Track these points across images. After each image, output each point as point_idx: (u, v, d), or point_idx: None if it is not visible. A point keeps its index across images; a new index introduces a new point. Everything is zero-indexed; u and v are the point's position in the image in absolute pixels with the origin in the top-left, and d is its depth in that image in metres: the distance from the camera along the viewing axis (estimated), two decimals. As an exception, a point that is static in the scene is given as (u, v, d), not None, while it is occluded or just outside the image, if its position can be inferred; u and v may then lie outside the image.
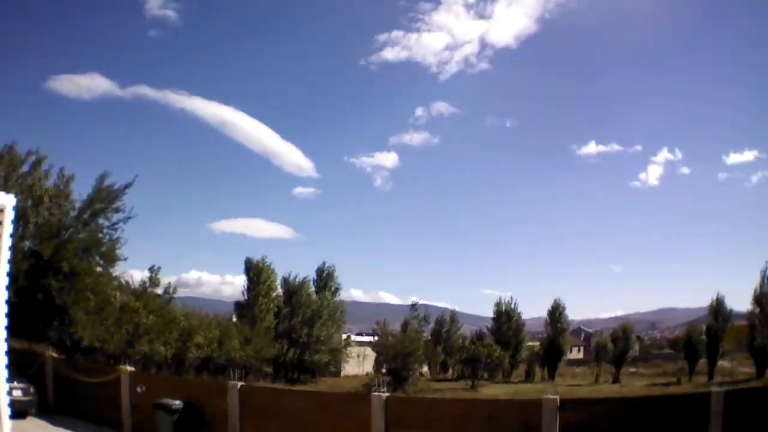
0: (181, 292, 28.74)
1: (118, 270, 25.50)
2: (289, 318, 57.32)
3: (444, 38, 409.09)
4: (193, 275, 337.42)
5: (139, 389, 15.62)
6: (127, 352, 23.02)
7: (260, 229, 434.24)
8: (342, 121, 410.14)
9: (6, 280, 7.54)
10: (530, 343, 73.01)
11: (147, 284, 28.28)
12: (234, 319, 54.88)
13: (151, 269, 27.99)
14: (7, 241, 7.61)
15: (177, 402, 14.01)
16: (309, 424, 12.96)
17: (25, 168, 24.00)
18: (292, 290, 58.56)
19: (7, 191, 20.74)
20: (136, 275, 29.92)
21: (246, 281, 57.80)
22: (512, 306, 71.67)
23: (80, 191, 24.39)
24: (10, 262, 7.68)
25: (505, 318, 70.44)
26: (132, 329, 24.71)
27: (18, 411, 13.58)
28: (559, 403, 10.57)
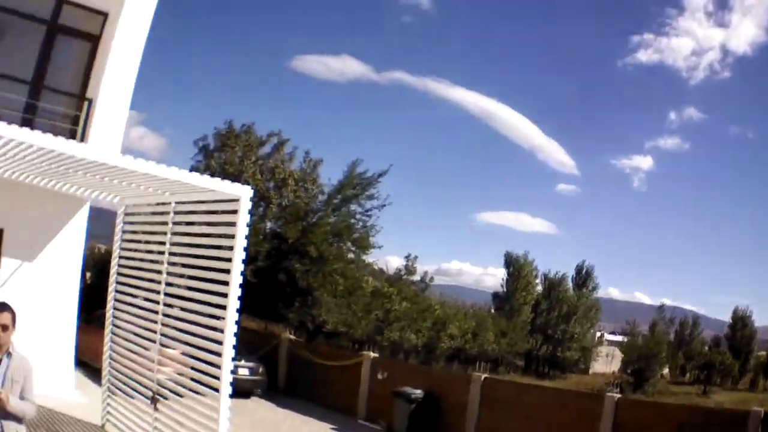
0: (440, 281, 28.63)
1: (372, 257, 24.94)
2: (546, 313, 57.96)
3: (690, 43, 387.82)
4: (454, 265, 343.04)
5: (379, 376, 15.53)
6: (374, 339, 22.99)
7: (524, 223, 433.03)
8: (600, 120, 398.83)
9: (241, 266, 7.52)
10: (760, 353, 71.70)
11: (402, 272, 27.30)
12: (492, 311, 56.49)
13: (407, 257, 27.24)
14: (243, 231, 7.60)
15: (417, 391, 14.00)
16: (544, 419, 12.93)
17: (266, 149, 24.08)
18: (552, 285, 60.08)
19: (243, 171, 21.71)
20: (394, 262, 30.11)
21: (505, 274, 59.78)
22: (747, 314, 71.07)
23: (328, 175, 24.81)
24: (247, 244, 7.77)
25: (740, 325, 70.08)
26: (382, 315, 24.46)
27: (243, 390, 13.99)
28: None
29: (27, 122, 10.52)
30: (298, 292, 21.30)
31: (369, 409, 15.56)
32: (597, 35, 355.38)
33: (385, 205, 22.95)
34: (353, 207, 23.06)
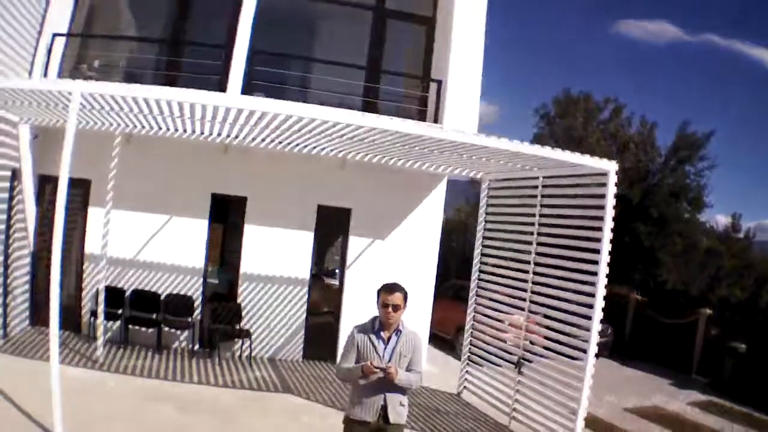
0: (761, 237, 27.22)
1: (704, 216, 25.51)
2: None
3: None
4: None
5: (712, 332, 15.83)
6: (707, 296, 22.22)
7: None
8: None
9: (610, 236, 7.76)
10: None
11: (729, 229, 26.93)
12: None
13: (733, 215, 26.66)
14: (611, 203, 7.92)
15: (742, 345, 14.45)
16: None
17: (604, 115, 25.38)
18: None
19: (588, 137, 22.54)
20: (721, 220, 29.36)
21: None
22: None
23: (661, 137, 25.01)
24: (615, 215, 7.99)
25: None
26: (713, 272, 23.79)
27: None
28: None
29: (369, 106, 11.28)
30: (641, 253, 22.06)
31: (699, 365, 15.72)
32: None
33: (715, 166, 23.78)
34: (687, 168, 23.90)
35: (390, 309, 4.89)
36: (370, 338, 4.95)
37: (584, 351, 7.77)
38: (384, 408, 4.92)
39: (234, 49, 10.35)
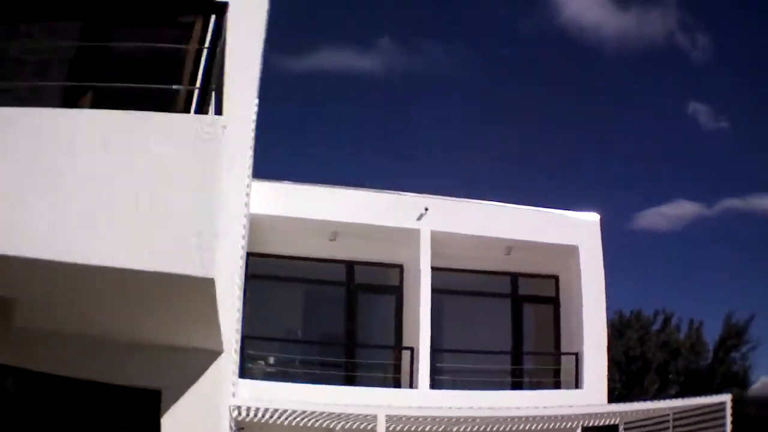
0: None
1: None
2: None
3: None
4: None
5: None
6: None
7: None
8: None
9: None
10: None
11: None
12: None
13: None
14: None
15: None
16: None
17: (656, 326, 29.41)
18: None
19: (646, 352, 24.97)
20: None
21: None
22: None
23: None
24: None
25: None
26: None
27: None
28: None
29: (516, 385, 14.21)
30: None
31: None
32: None
33: (758, 345, 27.18)
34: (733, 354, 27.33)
35: None
36: None
37: None
38: None
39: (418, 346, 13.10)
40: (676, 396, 23.79)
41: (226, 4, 4.92)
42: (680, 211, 46.54)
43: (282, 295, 14.35)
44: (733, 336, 27.11)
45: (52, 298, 4.92)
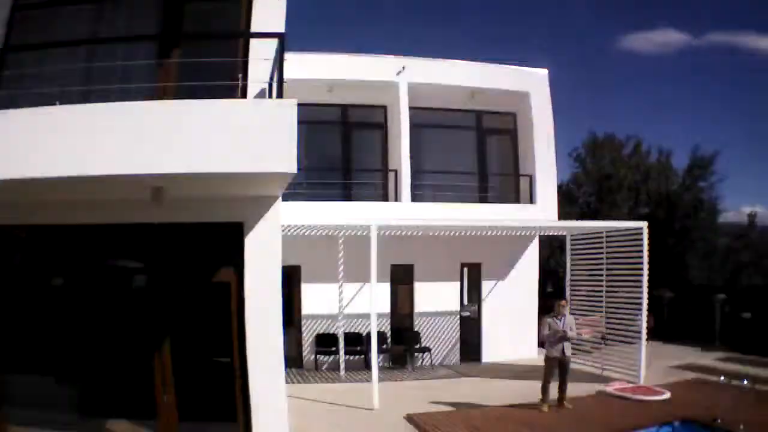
0: None
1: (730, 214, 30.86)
2: None
3: None
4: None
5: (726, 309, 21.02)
6: (731, 286, 26.92)
7: None
8: None
9: (646, 274, 14.25)
10: None
11: (747, 224, 31.57)
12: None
13: (749, 214, 31.67)
14: (645, 251, 14.31)
15: (747, 314, 20.08)
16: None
17: (627, 150, 31.64)
18: None
19: (617, 171, 28.94)
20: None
21: None
22: None
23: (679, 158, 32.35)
24: (649, 260, 14.31)
25: None
26: (734, 267, 28.96)
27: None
28: None
29: (482, 200, 18.24)
30: (671, 259, 27.26)
31: (721, 335, 20.66)
32: None
33: (723, 179, 29.35)
34: (701, 184, 29.53)
35: (564, 306, 11.65)
36: (555, 320, 11.59)
37: (639, 332, 14.13)
38: (563, 348, 11.57)
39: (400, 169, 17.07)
40: (647, 215, 27.32)
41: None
42: (667, 38, 47.79)
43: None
44: (700, 166, 29.19)
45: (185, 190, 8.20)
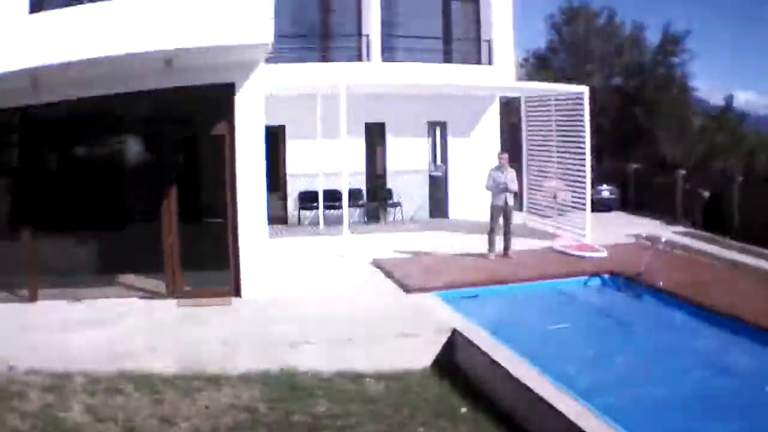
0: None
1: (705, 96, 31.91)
2: None
3: None
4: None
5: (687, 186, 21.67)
6: (705, 167, 28.05)
7: None
8: None
9: (588, 140, 15.38)
10: None
11: (723, 108, 31.97)
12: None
13: (726, 97, 32.14)
14: (587, 120, 15.35)
15: (706, 193, 20.52)
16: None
17: (600, 21, 31.89)
18: None
19: (589, 42, 29.87)
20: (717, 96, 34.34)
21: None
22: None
23: (651, 36, 31.48)
24: (589, 124, 15.48)
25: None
26: (708, 147, 29.45)
27: (605, 205, 21.60)
28: None
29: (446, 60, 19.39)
30: (641, 134, 28.67)
31: (683, 208, 21.36)
32: None
33: (693, 57, 30.39)
34: (673, 59, 30.35)
35: (504, 159, 13.05)
36: (497, 172, 13.11)
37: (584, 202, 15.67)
38: (505, 198, 13.14)
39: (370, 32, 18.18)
40: (618, 87, 29.86)
41: None
42: None
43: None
44: (671, 42, 29.72)
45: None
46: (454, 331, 8.93)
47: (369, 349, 8.64)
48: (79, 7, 9.07)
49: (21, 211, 10.45)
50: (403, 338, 8.89)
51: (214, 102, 10.57)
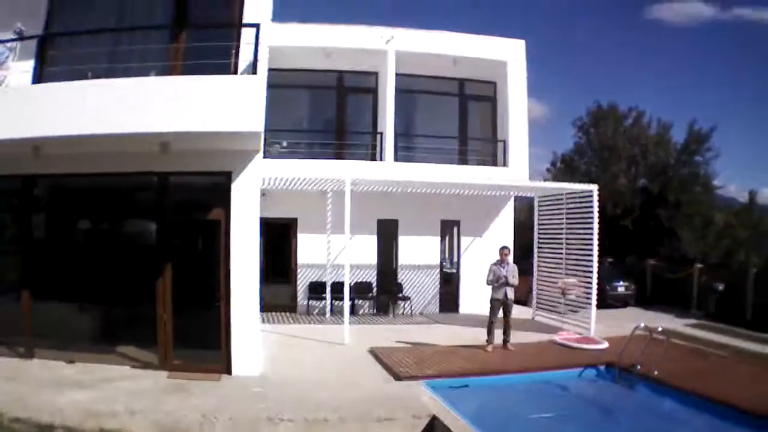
0: None
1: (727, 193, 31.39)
2: None
3: None
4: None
5: (702, 280, 21.81)
6: (726, 262, 27.96)
7: None
8: None
9: (596, 235, 15.55)
10: None
11: (746, 205, 31.93)
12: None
13: (749, 192, 32.10)
14: (596, 217, 15.60)
15: (720, 285, 20.78)
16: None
17: (629, 121, 32.27)
18: None
19: (615, 142, 30.05)
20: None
21: None
22: None
23: (677, 133, 32.10)
24: (599, 221, 15.69)
25: None
26: (730, 243, 28.91)
27: (621, 300, 21.50)
28: None
29: (462, 161, 19.80)
30: (665, 233, 28.49)
31: (698, 303, 21.65)
32: None
33: (718, 156, 30.15)
34: (697, 158, 30.18)
35: (506, 254, 13.04)
36: (499, 267, 13.07)
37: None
38: (506, 292, 13.07)
39: (385, 131, 18.55)
40: (643, 188, 29.83)
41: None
42: (693, 10, 47.79)
43: (291, 98, 19.40)
44: (696, 141, 29.74)
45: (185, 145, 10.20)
46: (434, 418, 8.87)
47: (344, 430, 8.66)
48: (77, 82, 9.64)
49: (22, 276, 11.33)
50: (381, 422, 8.87)
51: (212, 188, 11.08)
